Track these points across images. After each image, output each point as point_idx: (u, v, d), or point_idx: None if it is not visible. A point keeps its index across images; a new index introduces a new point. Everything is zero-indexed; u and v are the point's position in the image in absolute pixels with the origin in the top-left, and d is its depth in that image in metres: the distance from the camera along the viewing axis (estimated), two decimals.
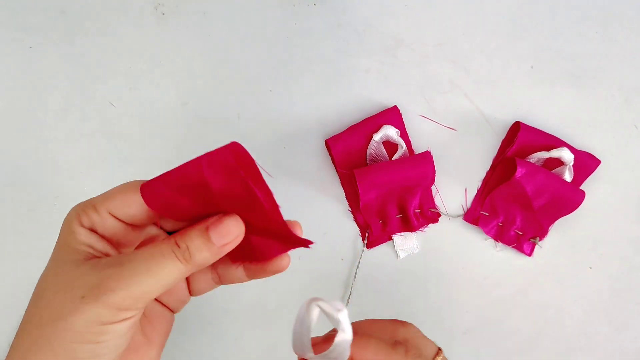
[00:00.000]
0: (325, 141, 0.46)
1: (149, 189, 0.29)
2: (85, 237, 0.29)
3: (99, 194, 0.30)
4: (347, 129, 0.46)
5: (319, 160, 0.47)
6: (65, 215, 0.30)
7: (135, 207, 0.29)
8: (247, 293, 0.46)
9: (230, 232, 0.29)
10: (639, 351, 0.47)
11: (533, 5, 0.48)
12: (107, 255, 0.29)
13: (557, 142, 0.46)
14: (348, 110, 0.47)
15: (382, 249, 0.47)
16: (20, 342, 0.29)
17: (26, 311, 0.30)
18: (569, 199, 0.44)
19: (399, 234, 0.46)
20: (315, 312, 0.29)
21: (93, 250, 0.29)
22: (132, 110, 0.46)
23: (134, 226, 0.30)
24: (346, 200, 0.47)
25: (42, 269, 0.48)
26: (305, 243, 0.29)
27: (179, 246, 0.28)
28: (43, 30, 0.46)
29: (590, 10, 0.48)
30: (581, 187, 0.46)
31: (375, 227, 0.46)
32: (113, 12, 0.46)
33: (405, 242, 0.47)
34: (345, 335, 0.28)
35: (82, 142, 0.46)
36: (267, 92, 0.47)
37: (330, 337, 0.31)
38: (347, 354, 0.28)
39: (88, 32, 0.46)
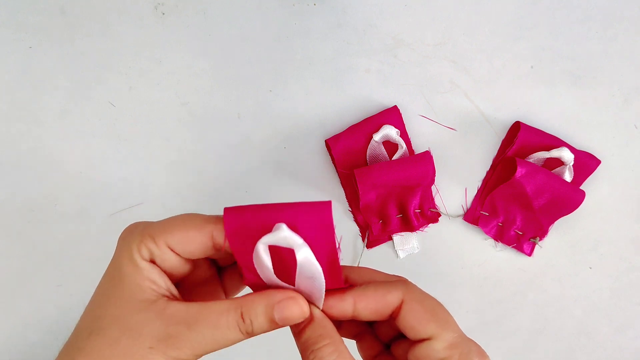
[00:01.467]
0: (326, 141, 0.46)
1: (233, 214, 0.29)
2: (148, 272, 0.29)
3: (157, 221, 0.30)
4: (347, 128, 0.46)
5: (319, 160, 0.47)
6: (121, 235, 0.30)
7: (195, 244, 0.30)
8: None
9: (294, 318, 0.29)
10: (639, 351, 0.47)
11: (533, 5, 0.48)
12: (169, 292, 0.30)
13: (557, 142, 0.46)
14: (348, 110, 0.47)
15: (382, 249, 0.47)
16: None
17: (79, 341, 0.30)
18: (569, 199, 0.44)
19: (399, 234, 0.46)
20: (263, 250, 0.29)
21: (157, 287, 0.29)
22: (132, 110, 0.46)
23: (188, 260, 0.31)
24: (346, 200, 0.47)
25: (43, 269, 0.48)
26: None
27: (244, 321, 0.29)
28: (43, 30, 0.46)
29: (591, 10, 0.48)
30: (581, 187, 0.46)
31: (375, 227, 0.46)
32: (113, 12, 0.46)
33: (405, 242, 0.47)
34: (298, 246, 0.28)
35: (82, 142, 0.46)
36: (267, 92, 0.47)
37: None
38: (315, 269, 0.29)
39: (88, 32, 0.46)
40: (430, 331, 0.29)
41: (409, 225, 0.46)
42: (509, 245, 0.46)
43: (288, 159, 0.46)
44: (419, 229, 0.46)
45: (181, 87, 0.47)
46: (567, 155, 0.44)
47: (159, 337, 0.28)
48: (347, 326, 0.34)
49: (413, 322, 0.30)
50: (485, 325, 0.46)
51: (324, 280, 0.29)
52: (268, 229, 0.29)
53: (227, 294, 0.36)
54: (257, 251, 0.29)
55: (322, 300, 0.30)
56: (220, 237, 0.30)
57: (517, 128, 0.46)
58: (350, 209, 0.47)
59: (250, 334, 0.29)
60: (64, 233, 0.46)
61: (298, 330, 0.30)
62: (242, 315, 0.29)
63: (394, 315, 0.30)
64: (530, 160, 0.45)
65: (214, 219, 0.30)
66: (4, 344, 0.44)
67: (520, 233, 0.46)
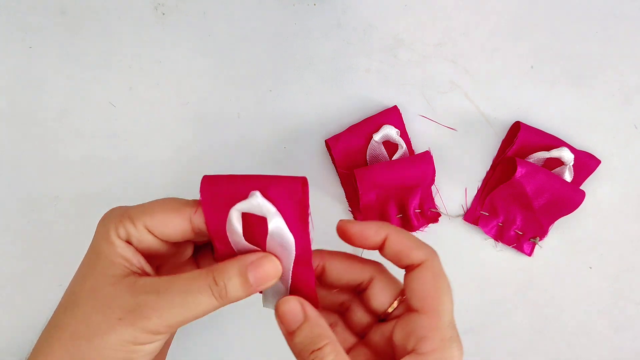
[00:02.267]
0: (326, 141, 0.46)
1: (209, 183, 0.29)
2: (122, 250, 0.29)
3: (137, 205, 0.31)
4: (347, 128, 0.46)
5: (319, 160, 0.47)
6: (101, 217, 0.31)
7: (173, 227, 0.30)
8: None
9: (269, 276, 0.29)
10: (639, 351, 0.47)
11: (533, 5, 0.48)
12: (142, 270, 0.30)
13: (557, 142, 0.46)
14: (348, 110, 0.47)
15: None
16: (47, 349, 0.29)
17: (56, 317, 0.30)
18: (569, 199, 0.44)
19: None
20: (236, 217, 0.29)
21: (129, 265, 0.29)
22: (132, 110, 0.46)
23: (166, 242, 0.31)
24: (346, 200, 0.47)
25: (42, 269, 0.48)
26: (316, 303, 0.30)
27: (216, 283, 0.28)
28: (43, 30, 0.46)
29: (591, 10, 0.48)
30: (581, 187, 0.46)
31: None
32: (113, 12, 0.46)
33: None
34: (270, 214, 0.28)
35: (82, 142, 0.46)
36: (267, 92, 0.47)
37: None
38: (286, 235, 0.29)
39: (88, 32, 0.46)
40: (429, 304, 0.29)
41: (409, 225, 0.46)
42: (509, 245, 0.46)
43: (288, 158, 0.46)
44: (419, 229, 0.46)
45: (181, 87, 0.47)
46: (567, 155, 0.44)
47: (128, 308, 0.28)
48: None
49: (419, 287, 0.30)
50: (485, 325, 0.46)
51: (294, 250, 0.29)
52: (243, 198, 0.29)
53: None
54: (230, 218, 0.29)
55: (291, 272, 0.30)
56: (198, 220, 0.30)
57: (517, 128, 0.46)
58: (350, 209, 0.47)
59: (224, 299, 0.29)
60: (64, 233, 0.46)
61: (292, 330, 0.29)
62: (214, 278, 0.28)
63: (380, 248, 0.31)
64: (530, 160, 0.45)
65: (193, 202, 0.30)
66: (4, 344, 0.43)
67: (520, 233, 0.46)
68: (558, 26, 0.48)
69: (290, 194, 0.29)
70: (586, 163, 0.46)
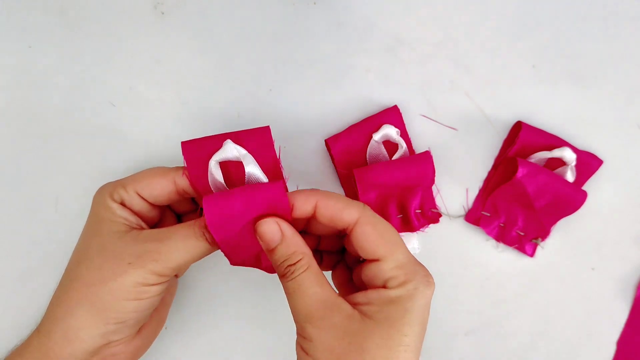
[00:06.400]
0: (325, 141, 0.46)
1: (189, 145, 0.34)
2: (120, 211, 0.35)
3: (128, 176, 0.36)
4: (347, 128, 0.45)
5: (319, 160, 0.47)
6: (96, 191, 0.36)
7: (159, 189, 0.35)
8: (248, 292, 0.45)
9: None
10: None
11: (535, 4, 0.48)
12: (140, 227, 0.35)
13: (559, 142, 0.45)
14: (348, 109, 0.47)
15: None
16: (65, 297, 0.34)
17: (68, 272, 0.35)
18: (571, 199, 0.44)
19: (400, 234, 0.46)
20: (214, 166, 0.34)
21: (129, 222, 0.35)
22: (132, 110, 0.46)
23: (154, 206, 0.37)
24: None
25: (43, 269, 0.48)
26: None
27: (207, 229, 0.33)
28: (43, 30, 0.46)
29: (593, 9, 0.48)
30: (583, 188, 0.46)
31: None
32: (113, 12, 0.46)
33: (405, 242, 0.46)
34: (243, 156, 0.33)
35: (82, 142, 0.46)
36: (267, 92, 0.47)
37: None
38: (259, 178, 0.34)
39: (88, 32, 0.46)
40: (380, 252, 0.32)
41: (409, 226, 0.46)
42: (511, 246, 0.46)
43: (287, 158, 0.46)
44: (419, 230, 0.46)
45: (181, 87, 0.46)
46: (568, 155, 0.43)
47: (136, 254, 0.32)
48: (326, 260, 0.39)
49: (364, 243, 0.32)
50: (486, 326, 0.46)
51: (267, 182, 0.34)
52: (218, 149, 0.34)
53: None
54: (210, 168, 0.34)
55: None
56: (181, 181, 0.35)
57: (518, 128, 0.46)
58: None
59: (214, 244, 0.33)
60: (64, 233, 0.46)
61: (271, 248, 0.33)
62: (206, 224, 0.32)
63: (348, 232, 0.33)
64: (532, 160, 0.45)
65: (176, 168, 0.36)
66: (4, 344, 0.43)
67: (522, 234, 0.46)
68: (560, 25, 0.48)
69: (260, 139, 0.34)
70: (588, 163, 0.46)
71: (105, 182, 0.46)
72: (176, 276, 0.41)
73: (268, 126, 0.35)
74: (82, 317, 0.32)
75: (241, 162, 0.34)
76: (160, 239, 0.33)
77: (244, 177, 0.33)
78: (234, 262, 0.36)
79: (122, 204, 0.35)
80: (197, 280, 0.45)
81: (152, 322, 0.37)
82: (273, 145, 0.35)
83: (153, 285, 0.33)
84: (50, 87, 0.46)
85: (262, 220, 0.32)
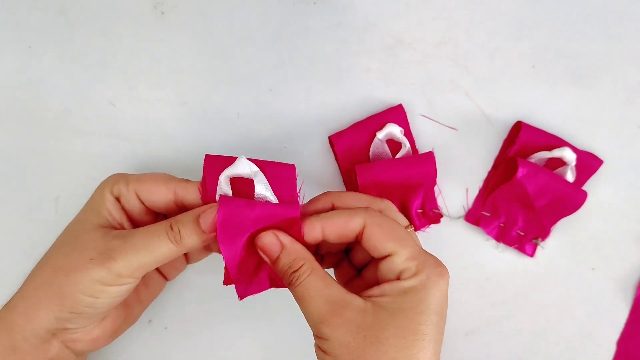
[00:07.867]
0: (329, 137, 0.46)
1: (212, 160, 0.34)
2: (110, 204, 0.35)
3: (134, 173, 0.37)
4: (351, 125, 0.45)
5: (319, 160, 0.47)
6: (99, 184, 0.37)
7: (158, 195, 0.35)
8: None
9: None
10: None
11: (535, 4, 0.48)
12: (120, 225, 0.35)
13: (559, 142, 0.45)
14: (348, 109, 0.47)
15: None
16: (33, 277, 0.35)
17: (45, 254, 0.35)
18: (571, 199, 0.44)
19: None
20: (224, 181, 0.33)
21: (111, 219, 0.35)
22: (132, 110, 0.46)
23: (149, 210, 0.36)
24: None
25: None
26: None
27: (172, 229, 0.33)
28: (43, 30, 0.46)
29: (593, 9, 0.48)
30: (583, 188, 0.46)
31: None
32: (113, 12, 0.46)
33: None
34: (254, 174, 0.33)
35: (82, 142, 0.46)
36: (267, 92, 0.47)
37: None
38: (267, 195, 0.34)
39: (88, 32, 0.46)
40: (390, 248, 0.32)
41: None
42: (511, 246, 0.46)
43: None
44: (420, 229, 0.46)
45: (181, 87, 0.46)
46: (569, 155, 0.43)
47: (99, 250, 0.32)
48: (327, 258, 0.39)
49: (374, 242, 0.33)
50: (486, 326, 0.46)
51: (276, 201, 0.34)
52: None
53: (188, 259, 0.41)
54: (219, 182, 0.33)
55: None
56: (181, 192, 0.35)
57: (518, 128, 0.46)
58: None
59: (179, 243, 0.33)
60: None
61: (273, 258, 0.33)
62: (170, 225, 0.33)
63: (358, 238, 0.34)
64: (532, 160, 0.45)
65: (179, 179, 0.36)
66: None
67: (522, 234, 0.46)
68: (560, 25, 0.48)
69: (283, 173, 0.34)
70: (588, 163, 0.46)
71: None
72: (166, 279, 0.41)
73: (293, 165, 0.35)
74: (41, 298, 0.33)
75: (251, 181, 0.33)
76: (125, 237, 0.33)
77: (253, 197, 0.33)
78: (235, 281, 0.35)
79: (118, 199, 0.35)
80: (197, 280, 0.45)
81: (118, 317, 0.37)
82: (295, 181, 0.35)
83: (111, 285, 0.32)
84: (50, 87, 0.46)
85: (261, 234, 0.33)
